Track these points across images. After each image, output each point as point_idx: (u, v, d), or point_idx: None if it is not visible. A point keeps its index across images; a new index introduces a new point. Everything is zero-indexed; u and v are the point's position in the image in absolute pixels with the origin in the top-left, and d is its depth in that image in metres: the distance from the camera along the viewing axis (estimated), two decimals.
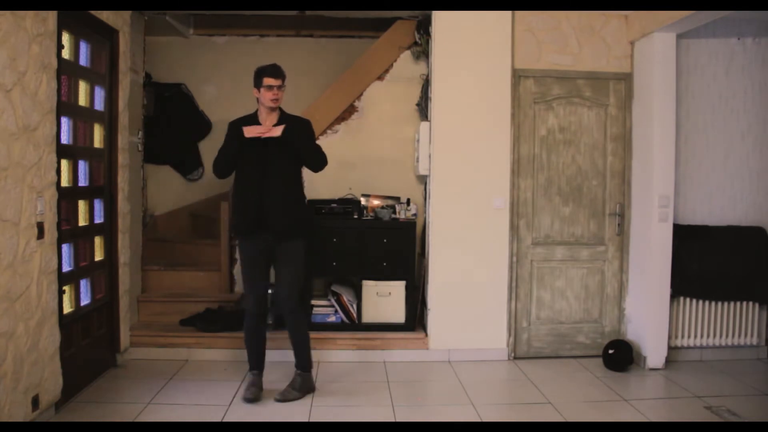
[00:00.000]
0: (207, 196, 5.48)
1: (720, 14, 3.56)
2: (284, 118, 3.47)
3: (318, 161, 3.52)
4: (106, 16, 3.65)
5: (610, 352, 4.10)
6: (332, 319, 4.30)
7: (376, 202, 4.45)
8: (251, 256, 3.46)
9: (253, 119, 3.46)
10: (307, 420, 3.21)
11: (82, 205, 3.58)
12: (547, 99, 4.29)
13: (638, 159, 4.26)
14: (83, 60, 3.55)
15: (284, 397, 3.45)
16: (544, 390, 3.69)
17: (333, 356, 4.17)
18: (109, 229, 3.88)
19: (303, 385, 3.53)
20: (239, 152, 3.37)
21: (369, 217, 4.37)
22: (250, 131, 3.33)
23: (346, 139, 4.67)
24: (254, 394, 3.43)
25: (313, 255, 4.08)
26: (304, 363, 3.56)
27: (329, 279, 4.51)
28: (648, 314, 4.11)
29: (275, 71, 3.38)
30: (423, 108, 4.59)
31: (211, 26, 5.39)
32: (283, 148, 3.37)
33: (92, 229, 3.70)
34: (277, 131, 3.32)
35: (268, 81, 3.35)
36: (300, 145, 3.41)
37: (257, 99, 3.43)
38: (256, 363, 3.54)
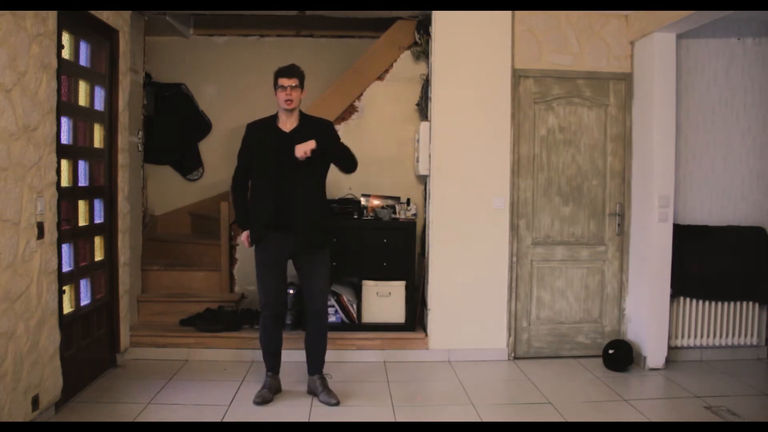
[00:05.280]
0: (207, 196, 5.47)
1: (720, 14, 3.56)
2: (304, 120, 3.40)
3: (351, 164, 3.44)
4: (106, 16, 3.65)
5: (610, 352, 4.10)
6: (332, 319, 4.30)
7: (376, 202, 4.45)
8: (271, 258, 3.37)
9: (271, 122, 3.40)
10: (307, 420, 3.21)
11: (82, 205, 3.58)
12: (547, 99, 4.29)
13: (638, 159, 4.26)
14: (83, 60, 3.55)
15: (335, 401, 3.42)
16: (544, 390, 3.69)
17: (333, 356, 4.14)
18: (109, 229, 3.88)
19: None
20: (258, 156, 3.32)
21: (369, 217, 4.37)
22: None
23: (346, 139, 4.58)
24: (262, 398, 3.41)
25: None
26: (322, 365, 3.55)
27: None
28: (648, 314, 4.11)
29: (288, 71, 3.30)
30: (423, 108, 4.59)
31: (211, 26, 5.38)
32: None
33: (92, 229, 3.70)
34: (311, 145, 3.23)
35: (281, 81, 3.28)
36: (333, 153, 3.36)
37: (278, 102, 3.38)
38: (272, 365, 3.52)
